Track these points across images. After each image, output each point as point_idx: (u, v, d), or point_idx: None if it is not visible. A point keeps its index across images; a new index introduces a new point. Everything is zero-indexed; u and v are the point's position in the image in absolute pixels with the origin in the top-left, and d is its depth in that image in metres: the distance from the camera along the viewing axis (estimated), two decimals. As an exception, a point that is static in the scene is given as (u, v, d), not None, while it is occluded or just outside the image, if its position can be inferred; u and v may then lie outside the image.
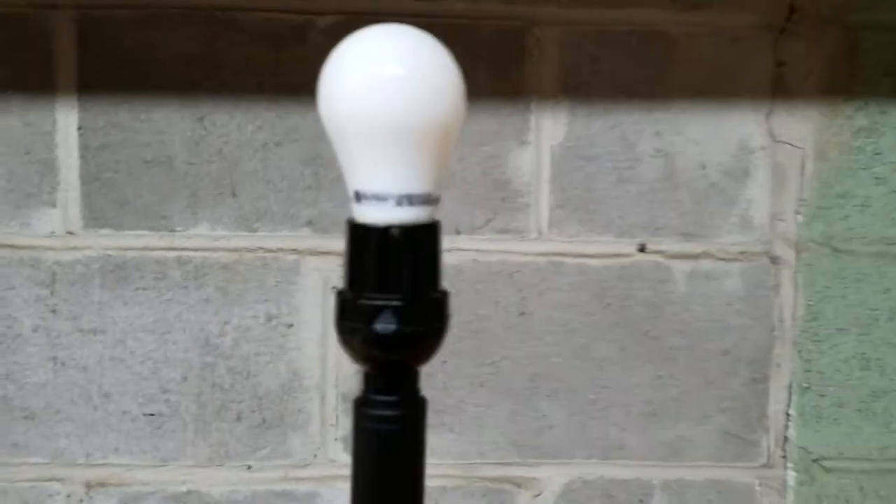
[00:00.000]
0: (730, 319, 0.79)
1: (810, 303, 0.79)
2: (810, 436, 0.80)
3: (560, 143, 0.77)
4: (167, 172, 0.76)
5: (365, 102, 0.40)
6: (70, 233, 0.76)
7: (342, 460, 0.79)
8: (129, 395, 0.78)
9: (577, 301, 0.78)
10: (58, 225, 0.76)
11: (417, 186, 0.41)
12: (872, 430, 0.80)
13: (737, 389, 0.80)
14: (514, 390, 0.79)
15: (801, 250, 0.79)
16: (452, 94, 0.41)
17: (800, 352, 0.79)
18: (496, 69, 0.75)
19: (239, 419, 0.78)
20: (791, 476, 0.81)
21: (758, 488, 0.81)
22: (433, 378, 0.77)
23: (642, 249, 0.78)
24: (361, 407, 0.42)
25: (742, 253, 0.79)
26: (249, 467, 0.79)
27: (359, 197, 0.41)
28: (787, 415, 0.80)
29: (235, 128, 0.75)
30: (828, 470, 0.81)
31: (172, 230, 0.76)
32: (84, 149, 0.75)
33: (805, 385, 0.80)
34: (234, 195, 0.76)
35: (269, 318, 0.77)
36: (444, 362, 0.78)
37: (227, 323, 0.77)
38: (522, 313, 0.78)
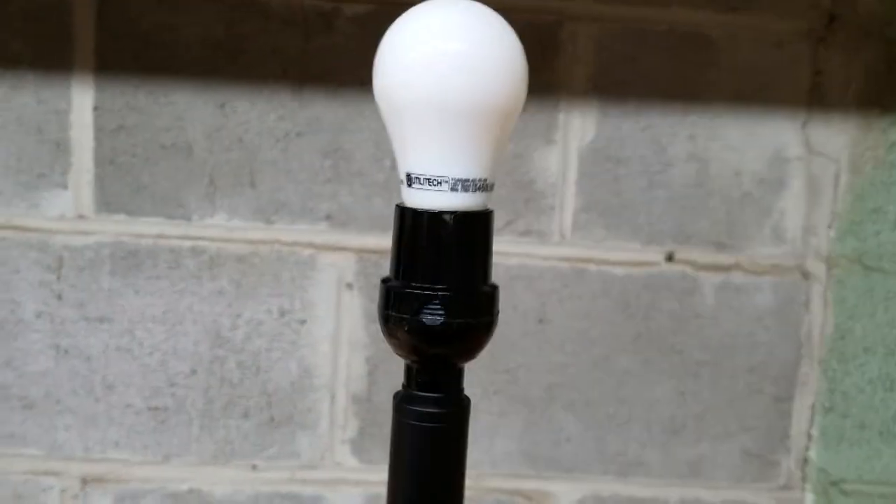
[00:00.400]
0: (758, 335, 0.77)
1: (839, 321, 0.77)
2: (831, 457, 0.78)
3: (588, 144, 0.75)
4: (185, 159, 0.73)
5: (422, 78, 0.37)
6: (81, 216, 0.73)
7: (349, 464, 0.76)
8: (135, 387, 0.75)
9: (599, 310, 0.76)
10: (68, 208, 0.73)
11: (474, 171, 0.38)
12: (893, 454, 0.79)
13: (761, 408, 0.78)
14: (529, 400, 0.77)
15: (832, 266, 0.77)
16: (515, 74, 0.38)
17: (825, 371, 0.77)
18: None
19: (246, 416, 0.76)
20: (809, 498, 0.79)
21: (777, 510, 0.79)
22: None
23: (670, 258, 0.76)
24: (403, 402, 0.39)
25: (774, 266, 0.76)
26: (255, 467, 0.76)
27: (410, 180, 0.39)
28: (809, 435, 0.78)
29: (256, 116, 0.73)
30: (846, 493, 0.79)
31: (188, 218, 0.73)
32: (99, 130, 0.72)
33: (828, 405, 0.78)
34: (252, 185, 0.73)
35: (282, 313, 0.75)
36: (457, 368, 0.75)
37: (239, 316, 0.75)
38: (541, 320, 0.76)
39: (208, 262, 0.74)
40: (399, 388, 0.42)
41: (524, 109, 0.74)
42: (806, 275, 0.77)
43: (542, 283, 0.76)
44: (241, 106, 0.73)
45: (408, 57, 0.38)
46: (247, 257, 0.74)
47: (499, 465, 0.77)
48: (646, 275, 0.76)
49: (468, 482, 0.77)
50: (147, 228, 0.74)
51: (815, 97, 0.75)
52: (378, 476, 0.77)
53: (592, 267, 0.76)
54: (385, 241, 0.71)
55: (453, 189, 0.38)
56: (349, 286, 0.75)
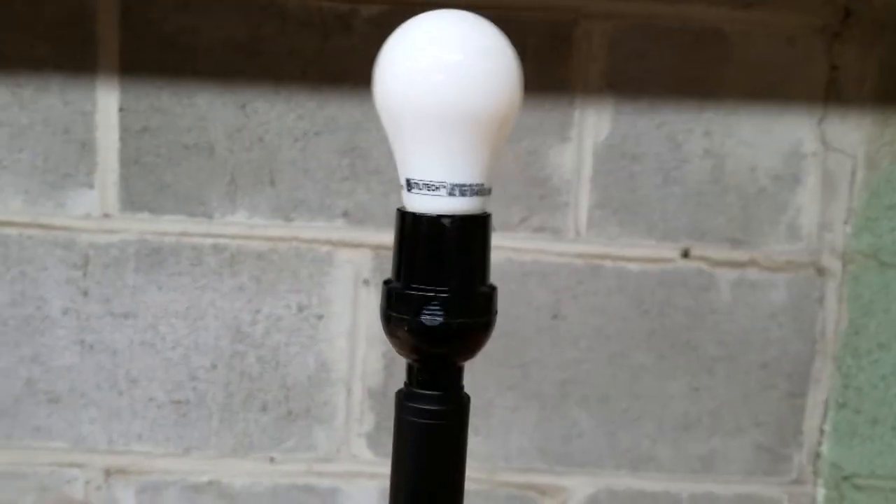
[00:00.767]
0: (772, 331, 0.77)
1: (854, 317, 0.77)
2: (843, 453, 0.78)
3: (603, 141, 0.75)
4: (207, 159, 0.75)
5: (420, 87, 0.39)
6: (107, 215, 0.75)
7: (365, 457, 0.78)
8: (157, 381, 0.77)
9: (614, 306, 0.77)
10: (94, 207, 0.75)
11: (471, 177, 0.39)
12: (907, 450, 0.79)
13: (774, 403, 0.78)
14: (543, 395, 0.78)
15: (847, 262, 0.77)
16: (510, 83, 0.39)
17: (839, 367, 0.77)
18: (540, 61, 0.74)
19: (265, 409, 0.77)
20: (821, 493, 0.79)
21: (788, 504, 0.79)
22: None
23: (686, 255, 0.76)
24: (404, 400, 0.40)
25: (789, 262, 0.77)
26: (272, 459, 0.78)
27: (410, 185, 0.40)
28: (822, 430, 0.78)
29: (276, 116, 0.74)
30: (858, 488, 0.79)
31: (210, 216, 0.75)
32: (124, 131, 0.74)
33: (841, 401, 0.78)
34: (272, 184, 0.75)
35: (301, 308, 0.76)
36: (472, 362, 0.76)
37: (258, 312, 0.76)
38: (556, 316, 0.77)
39: (229, 259, 0.76)
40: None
41: (539, 106, 0.75)
42: (821, 271, 0.77)
43: (556, 279, 0.77)
44: (262, 106, 0.74)
45: (406, 67, 0.39)
46: (266, 254, 0.76)
47: (512, 460, 0.78)
48: (661, 271, 0.76)
49: (482, 476, 0.78)
50: (170, 226, 0.75)
51: (830, 92, 0.75)
52: (395, 469, 0.78)
53: (608, 263, 0.76)
54: (400, 238, 0.72)
55: (451, 194, 0.39)
56: (366, 282, 0.76)
